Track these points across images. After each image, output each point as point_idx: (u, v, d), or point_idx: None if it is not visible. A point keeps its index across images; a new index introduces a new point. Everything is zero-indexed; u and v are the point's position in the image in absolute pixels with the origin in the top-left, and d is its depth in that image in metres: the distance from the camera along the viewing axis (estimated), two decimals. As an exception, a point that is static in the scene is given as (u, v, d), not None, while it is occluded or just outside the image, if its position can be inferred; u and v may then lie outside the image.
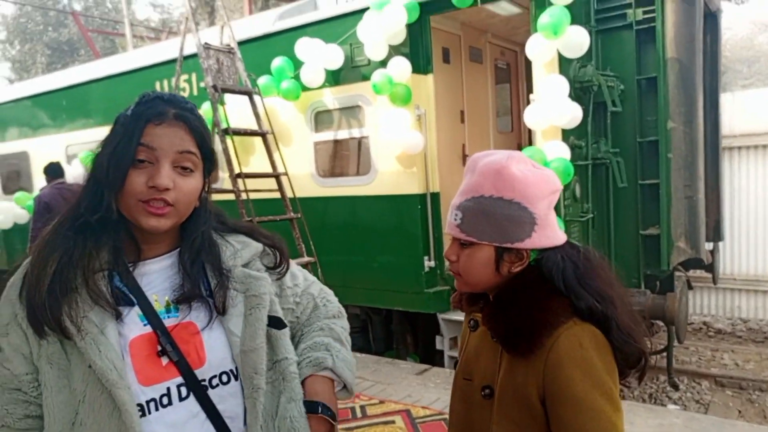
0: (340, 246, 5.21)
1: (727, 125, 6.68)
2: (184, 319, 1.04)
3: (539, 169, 1.14)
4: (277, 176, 4.65)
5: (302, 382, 1.13)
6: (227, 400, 1.05)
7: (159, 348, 1.01)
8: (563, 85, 3.78)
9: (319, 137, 5.27)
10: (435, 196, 4.80)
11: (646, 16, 4.12)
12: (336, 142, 5.24)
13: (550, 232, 1.12)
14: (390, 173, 4.87)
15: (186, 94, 5.79)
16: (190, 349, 1.03)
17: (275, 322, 1.11)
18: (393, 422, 3.55)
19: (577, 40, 3.77)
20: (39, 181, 7.59)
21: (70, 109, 7.48)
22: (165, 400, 1.01)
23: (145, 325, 1.02)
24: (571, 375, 1.03)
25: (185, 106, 1.06)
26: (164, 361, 1.01)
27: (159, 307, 1.04)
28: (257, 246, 1.16)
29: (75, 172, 6.72)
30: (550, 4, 3.80)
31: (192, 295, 1.04)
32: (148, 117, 1.01)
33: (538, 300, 1.09)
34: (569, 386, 1.03)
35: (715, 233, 5.37)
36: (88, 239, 1.01)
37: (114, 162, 0.99)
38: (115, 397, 0.94)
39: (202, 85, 5.91)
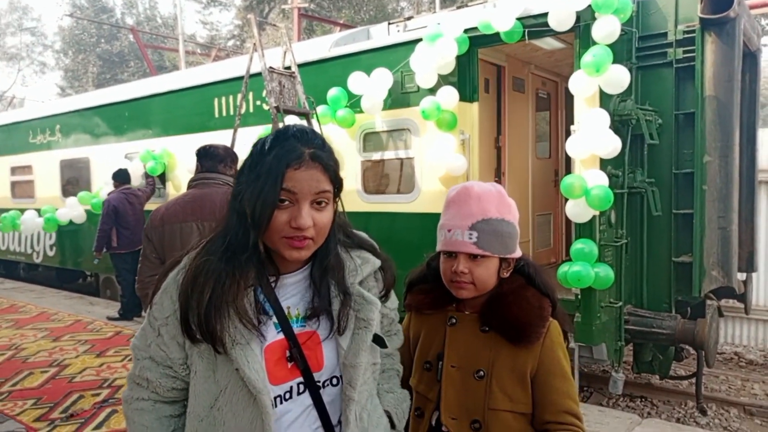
0: (382, 258, 5.49)
1: (765, 160, 6.78)
2: (308, 328, 1.21)
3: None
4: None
5: None
6: (333, 397, 1.22)
7: (288, 354, 1.18)
8: (604, 118, 4.02)
9: (366, 156, 5.60)
10: (475, 216, 5.06)
11: (686, 55, 4.34)
12: (382, 161, 5.56)
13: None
14: (433, 192, 5.15)
15: (243, 111, 6.20)
16: (311, 355, 1.19)
17: (379, 341, 1.27)
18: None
19: (618, 78, 4.02)
20: (98, 186, 8.14)
21: (131, 120, 8.01)
22: (287, 396, 1.18)
23: (278, 332, 1.18)
24: (559, 355, 1.43)
25: (317, 144, 1.18)
26: (290, 364, 1.18)
27: (291, 317, 1.20)
28: (375, 263, 1.30)
29: (133, 167, 7.25)
30: (594, 42, 4.07)
31: (319, 310, 1.21)
32: (288, 161, 1.12)
33: (533, 300, 1.44)
34: (559, 363, 1.42)
35: (749, 264, 5.48)
36: (236, 268, 1.15)
37: (260, 204, 1.11)
38: (258, 401, 1.12)
39: (258, 103, 6.34)
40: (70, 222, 8.04)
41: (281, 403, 1.17)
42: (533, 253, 6.19)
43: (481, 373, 1.41)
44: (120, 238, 6.63)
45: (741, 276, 5.48)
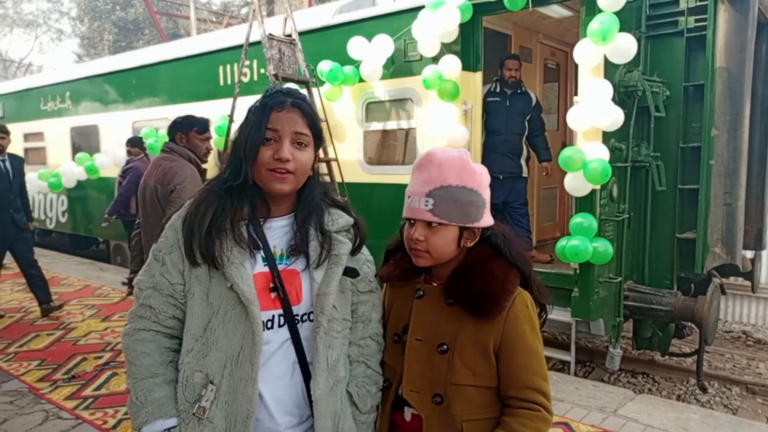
0: (384, 230, 5.44)
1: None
2: (290, 266, 1.37)
3: (478, 164, 1.43)
4: (327, 161, 4.98)
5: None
6: (309, 333, 1.36)
7: (272, 285, 1.33)
8: (607, 88, 3.90)
9: (369, 126, 5.53)
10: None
11: (698, 24, 4.18)
12: (384, 131, 5.49)
13: (490, 214, 1.42)
14: (435, 164, 5.08)
15: (246, 80, 6.13)
16: (291, 289, 1.35)
17: (351, 272, 1.41)
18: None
19: (625, 47, 3.88)
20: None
21: (138, 88, 8.00)
22: (269, 324, 1.32)
23: (264, 265, 1.34)
24: (524, 329, 1.37)
25: (299, 96, 1.37)
26: (273, 294, 1.33)
27: (276, 254, 1.37)
28: (349, 220, 1.46)
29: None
30: (600, 9, 3.92)
31: (299, 249, 1.37)
32: (272, 105, 1.32)
33: (498, 272, 1.38)
34: (523, 338, 1.37)
35: (757, 242, 5.36)
36: (234, 198, 1.33)
37: (250, 141, 1.31)
38: (249, 312, 1.27)
39: (261, 71, 6.27)
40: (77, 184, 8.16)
41: (264, 330, 1.30)
42: (537, 227, 6.12)
43: (444, 347, 1.38)
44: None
45: (749, 254, 5.37)
